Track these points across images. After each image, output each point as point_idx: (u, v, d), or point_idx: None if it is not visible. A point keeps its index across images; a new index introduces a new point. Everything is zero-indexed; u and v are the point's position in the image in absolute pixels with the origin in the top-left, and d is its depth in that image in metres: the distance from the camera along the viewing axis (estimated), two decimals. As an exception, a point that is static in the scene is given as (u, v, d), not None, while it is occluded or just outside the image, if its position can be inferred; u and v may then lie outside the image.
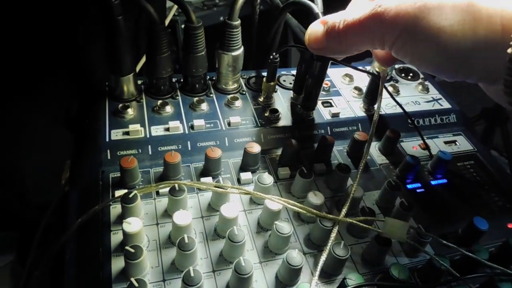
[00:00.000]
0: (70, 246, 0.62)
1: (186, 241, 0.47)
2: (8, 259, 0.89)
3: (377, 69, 0.68)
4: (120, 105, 0.66)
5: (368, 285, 0.49)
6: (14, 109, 0.82)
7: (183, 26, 0.82)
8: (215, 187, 0.54)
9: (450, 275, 0.49)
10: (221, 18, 1.27)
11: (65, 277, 0.60)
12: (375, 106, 0.73)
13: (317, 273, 0.46)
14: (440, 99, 0.81)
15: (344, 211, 0.52)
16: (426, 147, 0.71)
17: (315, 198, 0.55)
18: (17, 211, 0.88)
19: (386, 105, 0.76)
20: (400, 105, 0.71)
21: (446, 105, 0.80)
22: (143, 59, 0.72)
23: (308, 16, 0.58)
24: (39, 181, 0.90)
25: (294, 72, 0.79)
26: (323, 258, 0.48)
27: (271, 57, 0.65)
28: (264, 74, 0.77)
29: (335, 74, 0.82)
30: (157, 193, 0.57)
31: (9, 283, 0.87)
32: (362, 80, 0.82)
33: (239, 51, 0.68)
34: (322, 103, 0.74)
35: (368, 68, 0.79)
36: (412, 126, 0.74)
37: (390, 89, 0.80)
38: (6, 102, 0.80)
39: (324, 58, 0.60)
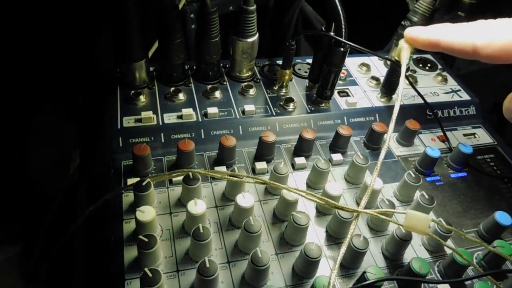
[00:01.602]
0: (80, 235, 0.61)
1: (201, 231, 0.46)
2: (15, 251, 0.88)
3: (396, 58, 0.66)
4: (132, 91, 0.65)
5: (389, 279, 0.48)
6: (21, 100, 0.81)
7: (192, 15, 0.81)
8: (230, 176, 0.52)
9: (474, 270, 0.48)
10: (231, 8, 1.25)
11: (74, 267, 0.59)
12: (393, 96, 0.71)
13: (337, 265, 0.45)
14: (459, 90, 0.79)
15: (363, 203, 0.50)
16: (446, 139, 0.69)
17: (333, 189, 0.53)
18: (23, 202, 0.87)
19: (405, 96, 0.74)
20: (421, 95, 0.68)
21: (465, 96, 0.77)
22: (155, 46, 0.71)
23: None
24: (46, 173, 0.89)
25: (309, 60, 0.77)
26: (342, 250, 0.46)
27: (287, 43, 0.63)
28: (279, 62, 0.75)
29: (351, 63, 0.80)
30: (170, 181, 0.56)
31: (16, 274, 0.87)
32: (379, 70, 0.80)
33: (255, 37, 0.66)
34: (339, 92, 0.72)
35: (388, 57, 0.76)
36: (431, 118, 0.72)
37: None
38: (13, 94, 0.79)
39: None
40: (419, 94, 0.69)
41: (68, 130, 0.87)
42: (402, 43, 0.62)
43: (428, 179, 0.63)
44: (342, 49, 0.61)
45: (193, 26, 0.82)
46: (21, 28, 0.73)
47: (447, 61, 0.87)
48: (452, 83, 0.81)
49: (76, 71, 0.81)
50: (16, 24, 0.72)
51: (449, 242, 0.54)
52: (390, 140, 0.67)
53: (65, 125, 0.87)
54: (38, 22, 0.73)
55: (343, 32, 0.59)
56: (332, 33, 0.61)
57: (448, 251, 0.54)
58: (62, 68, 0.80)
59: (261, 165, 0.59)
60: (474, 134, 0.73)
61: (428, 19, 0.73)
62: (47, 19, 0.74)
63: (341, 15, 0.59)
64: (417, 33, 0.48)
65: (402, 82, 0.51)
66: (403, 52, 0.58)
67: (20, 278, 0.85)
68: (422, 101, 0.70)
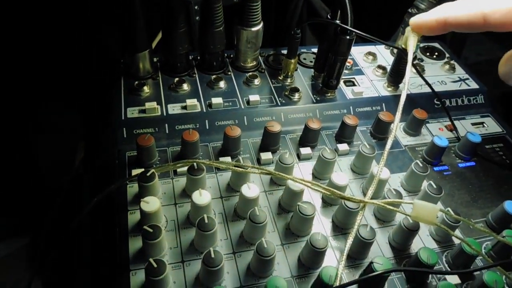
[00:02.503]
0: (86, 226, 0.61)
1: (206, 221, 0.46)
2: (23, 242, 0.89)
3: (403, 46, 0.65)
4: (136, 82, 0.64)
5: (397, 270, 0.47)
6: (26, 92, 0.80)
7: (196, 7, 0.80)
8: (235, 166, 0.52)
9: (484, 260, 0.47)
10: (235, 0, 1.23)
11: (79, 258, 0.60)
12: (400, 85, 0.70)
13: (344, 257, 0.44)
14: (467, 79, 0.77)
15: (370, 193, 0.50)
16: (454, 128, 0.68)
17: (340, 179, 0.52)
18: (30, 193, 0.87)
19: (412, 85, 0.73)
20: (429, 84, 0.67)
21: (473, 85, 0.76)
22: (159, 36, 0.70)
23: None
24: (52, 164, 0.89)
25: (314, 50, 0.76)
26: (349, 241, 0.45)
27: (292, 32, 0.62)
28: (284, 51, 0.74)
29: (357, 52, 0.79)
30: (175, 172, 0.56)
31: (24, 265, 0.87)
32: (386, 59, 0.79)
33: (259, 27, 0.65)
34: (345, 82, 0.71)
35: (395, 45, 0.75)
36: (438, 107, 0.70)
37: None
38: (19, 85, 0.79)
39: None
40: (426, 82, 0.68)
41: (73, 122, 0.87)
42: (408, 30, 0.60)
43: (436, 168, 0.62)
44: (348, 37, 0.60)
45: (197, 18, 0.81)
46: (25, 20, 0.73)
47: (455, 50, 0.86)
48: (460, 71, 0.79)
49: (80, 62, 0.81)
50: (19, 16, 0.72)
51: (457, 232, 0.54)
52: (397, 129, 0.66)
53: (70, 117, 0.87)
54: (41, 14, 0.73)
55: (349, 20, 0.58)
56: (338, 21, 0.60)
57: (456, 241, 0.53)
58: (67, 60, 0.80)
59: (266, 156, 0.58)
60: (482, 123, 0.72)
61: (436, 6, 0.72)
62: (51, 11, 0.73)
63: (347, 2, 0.58)
64: (421, 18, 0.47)
65: (409, 70, 0.50)
66: (410, 39, 0.57)
67: (27, 270, 0.85)
68: (429, 90, 0.69)
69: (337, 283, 0.42)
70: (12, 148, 0.84)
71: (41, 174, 0.90)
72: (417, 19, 0.48)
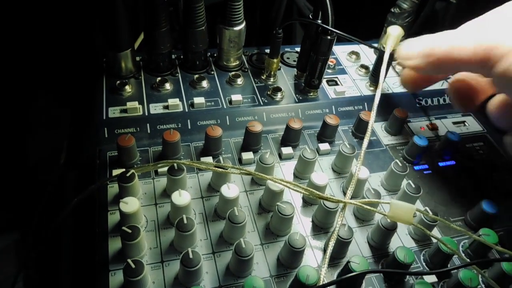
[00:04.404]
0: (66, 226, 0.61)
1: (185, 221, 0.46)
2: (13, 238, 0.89)
3: (384, 45, 0.65)
4: (118, 81, 0.64)
5: (372, 272, 0.48)
6: (17, 88, 0.80)
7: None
8: (216, 167, 0.52)
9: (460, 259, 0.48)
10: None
11: (61, 257, 0.59)
12: (383, 85, 0.71)
13: (327, 260, 0.45)
14: (449, 78, 0.78)
15: (349, 193, 0.50)
16: (433, 127, 0.68)
17: (319, 179, 0.53)
18: (20, 190, 0.87)
19: (394, 84, 0.73)
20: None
21: (455, 84, 0.77)
22: (141, 37, 0.70)
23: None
24: (43, 160, 0.89)
25: (298, 49, 0.76)
26: (331, 243, 0.46)
27: (274, 32, 0.62)
28: (267, 51, 0.74)
29: (341, 52, 0.79)
30: (156, 172, 0.56)
31: (14, 261, 0.87)
32: (369, 58, 0.79)
33: (241, 26, 0.65)
34: (327, 81, 0.72)
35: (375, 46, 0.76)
36: (420, 106, 0.71)
37: (398, 68, 0.77)
38: (10, 82, 0.78)
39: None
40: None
41: (64, 118, 0.86)
42: (389, 30, 0.61)
43: (416, 167, 0.63)
44: (329, 37, 0.60)
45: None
46: (15, 19, 0.72)
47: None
48: (442, 71, 0.80)
49: (70, 59, 0.81)
50: (11, 13, 0.71)
51: (436, 231, 0.55)
52: (377, 128, 0.67)
53: (61, 113, 0.86)
54: (34, 11, 0.73)
55: (330, 20, 0.59)
56: (319, 21, 0.60)
57: (434, 239, 0.54)
58: (57, 56, 0.79)
59: (247, 155, 0.58)
60: (464, 122, 0.73)
61: (419, 5, 0.72)
62: (43, 7, 0.73)
63: (328, 2, 0.58)
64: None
65: (384, 70, 0.51)
66: (389, 39, 0.57)
67: (17, 266, 0.85)
68: (411, 89, 0.69)
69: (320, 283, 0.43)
70: (2, 144, 0.84)
71: (31, 170, 0.89)
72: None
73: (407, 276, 0.50)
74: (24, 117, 0.85)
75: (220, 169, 0.51)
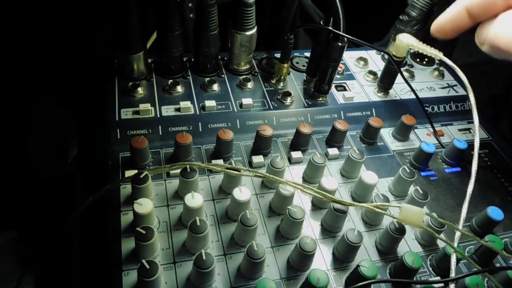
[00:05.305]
0: (78, 225, 0.62)
1: (198, 223, 0.47)
2: (11, 236, 0.89)
3: (393, 52, 0.66)
4: (130, 83, 0.65)
5: (381, 282, 0.48)
6: (19, 86, 0.81)
7: (190, 4, 0.80)
8: (228, 169, 0.53)
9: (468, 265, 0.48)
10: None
11: (72, 257, 0.60)
12: (390, 91, 0.72)
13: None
14: (456, 85, 0.79)
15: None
16: (435, 135, 0.69)
17: (329, 183, 0.54)
18: (21, 187, 0.87)
19: (401, 90, 0.74)
20: (414, 91, 0.69)
21: (461, 91, 0.78)
22: (153, 37, 0.70)
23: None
24: (44, 158, 0.89)
25: (307, 54, 0.77)
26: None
27: (285, 37, 0.63)
28: (277, 55, 0.75)
29: (349, 57, 0.80)
30: (168, 174, 0.56)
31: (12, 260, 0.88)
32: (377, 64, 0.80)
33: (253, 31, 0.66)
34: (336, 86, 0.73)
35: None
36: (427, 113, 0.72)
37: (406, 74, 0.77)
38: (10, 82, 0.79)
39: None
40: (412, 90, 0.69)
41: (65, 117, 0.87)
42: (399, 37, 0.62)
43: (423, 173, 0.64)
44: (340, 43, 0.61)
45: (191, 15, 0.81)
46: (18, 16, 0.73)
47: (446, 51, 0.87)
48: (449, 78, 0.81)
49: (74, 59, 0.81)
50: (12, 13, 0.72)
51: (442, 237, 0.55)
52: (385, 134, 0.68)
53: (61, 113, 0.87)
54: (34, 10, 0.73)
55: (342, 26, 0.60)
56: (330, 27, 0.61)
57: (441, 245, 0.55)
58: (60, 55, 0.80)
59: (258, 159, 0.59)
60: (469, 129, 0.74)
61: (427, 13, 0.73)
62: (44, 7, 0.73)
63: (340, 10, 0.59)
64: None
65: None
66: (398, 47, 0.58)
67: (16, 264, 0.86)
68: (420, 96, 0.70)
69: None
70: (2, 144, 0.84)
71: (31, 169, 0.90)
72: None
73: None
74: (24, 117, 0.85)
75: (233, 172, 0.52)
